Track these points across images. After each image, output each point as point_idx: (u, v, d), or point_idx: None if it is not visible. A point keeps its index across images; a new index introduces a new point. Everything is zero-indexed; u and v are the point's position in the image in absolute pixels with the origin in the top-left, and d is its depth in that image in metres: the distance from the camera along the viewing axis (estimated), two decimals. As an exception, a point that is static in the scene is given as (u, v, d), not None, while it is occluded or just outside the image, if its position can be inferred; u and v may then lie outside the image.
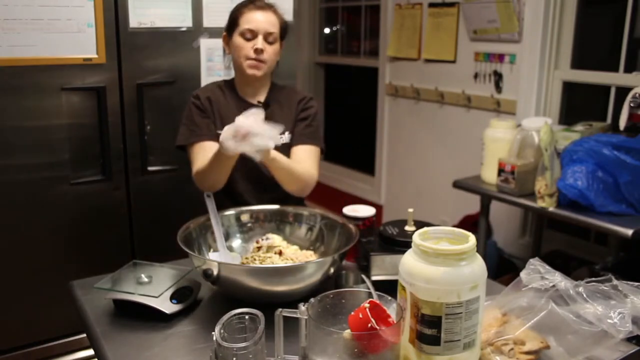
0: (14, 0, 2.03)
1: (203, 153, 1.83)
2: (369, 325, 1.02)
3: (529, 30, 3.11)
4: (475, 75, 3.46)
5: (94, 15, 2.16)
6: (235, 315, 1.03)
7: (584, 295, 1.17)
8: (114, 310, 1.30)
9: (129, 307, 1.27)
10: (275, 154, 1.71)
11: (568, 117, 3.18)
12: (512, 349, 1.15)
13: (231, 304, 1.14)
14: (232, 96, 1.97)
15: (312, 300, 1.06)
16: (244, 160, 1.67)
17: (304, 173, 1.88)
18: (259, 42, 1.87)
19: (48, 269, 2.24)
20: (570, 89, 3.18)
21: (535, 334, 1.17)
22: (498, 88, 3.33)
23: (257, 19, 1.88)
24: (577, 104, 3.20)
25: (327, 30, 5.10)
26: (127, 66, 2.27)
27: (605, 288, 1.19)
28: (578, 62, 3.11)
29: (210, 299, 1.38)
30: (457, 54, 3.57)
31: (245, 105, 1.89)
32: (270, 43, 1.90)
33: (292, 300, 1.21)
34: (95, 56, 2.19)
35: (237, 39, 1.90)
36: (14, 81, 2.08)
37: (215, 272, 1.29)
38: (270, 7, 1.93)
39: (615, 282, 1.19)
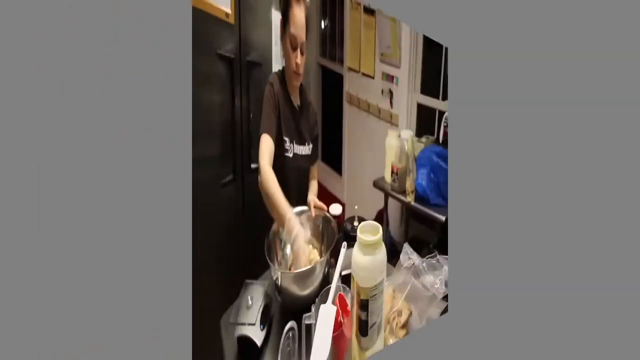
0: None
1: (265, 145, 1.44)
2: (339, 319, 0.91)
3: (404, 59, 2.82)
4: (382, 91, 3.11)
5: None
6: (287, 333, 0.91)
7: (425, 269, 1.14)
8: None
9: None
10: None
11: (419, 130, 2.89)
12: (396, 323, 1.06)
13: (284, 316, 1.02)
14: (283, 91, 1.55)
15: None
16: (285, 159, 1.47)
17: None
18: (299, 57, 1.48)
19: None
20: (420, 109, 2.95)
21: (406, 304, 1.12)
22: (391, 104, 3.04)
23: (300, 24, 1.46)
24: (424, 121, 2.92)
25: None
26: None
27: (434, 262, 1.16)
28: (423, 89, 2.88)
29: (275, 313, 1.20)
30: (375, 71, 3.13)
31: (290, 105, 1.56)
32: (302, 52, 1.50)
33: (308, 305, 1.05)
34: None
35: (287, 44, 1.48)
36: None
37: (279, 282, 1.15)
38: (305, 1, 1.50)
39: (438, 257, 1.17)
